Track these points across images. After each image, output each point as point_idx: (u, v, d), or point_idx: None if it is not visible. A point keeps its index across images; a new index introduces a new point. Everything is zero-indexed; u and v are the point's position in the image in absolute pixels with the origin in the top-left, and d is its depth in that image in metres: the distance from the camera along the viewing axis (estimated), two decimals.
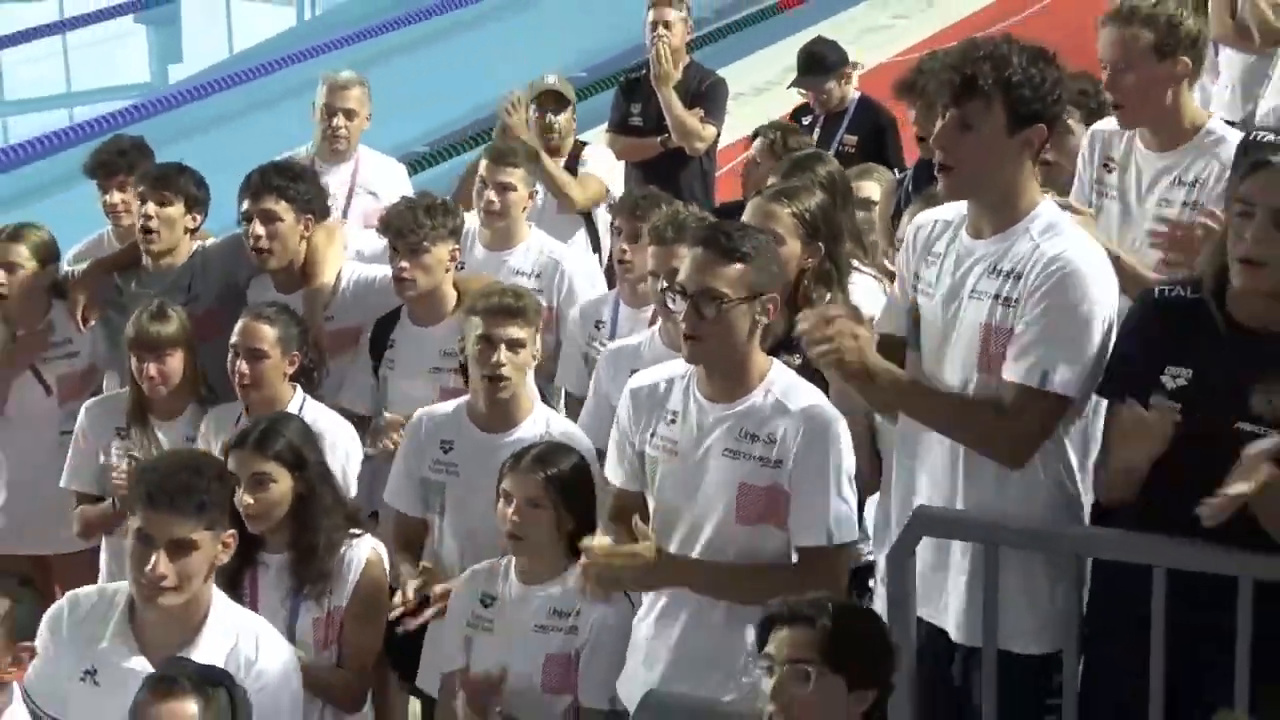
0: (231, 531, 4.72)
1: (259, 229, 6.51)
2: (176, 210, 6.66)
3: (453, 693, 5.16)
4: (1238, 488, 4.10)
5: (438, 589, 5.40)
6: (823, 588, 4.77)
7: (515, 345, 5.53)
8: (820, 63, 9.07)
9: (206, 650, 4.60)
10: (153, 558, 4.53)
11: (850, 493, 4.81)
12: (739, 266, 4.69)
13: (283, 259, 6.57)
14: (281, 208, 6.51)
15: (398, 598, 5.39)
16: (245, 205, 6.58)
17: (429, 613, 5.37)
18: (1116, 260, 4.90)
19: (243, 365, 5.95)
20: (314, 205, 6.64)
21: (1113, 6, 5.40)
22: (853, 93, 9.12)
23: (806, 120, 9.08)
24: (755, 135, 7.99)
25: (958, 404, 4.59)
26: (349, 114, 7.99)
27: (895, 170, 8.37)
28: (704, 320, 4.68)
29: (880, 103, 8.91)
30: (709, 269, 4.69)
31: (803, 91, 9.22)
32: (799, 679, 3.98)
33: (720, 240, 4.73)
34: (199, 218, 6.77)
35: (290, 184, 6.56)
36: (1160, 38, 5.21)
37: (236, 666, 4.56)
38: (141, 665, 4.58)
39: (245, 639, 4.69)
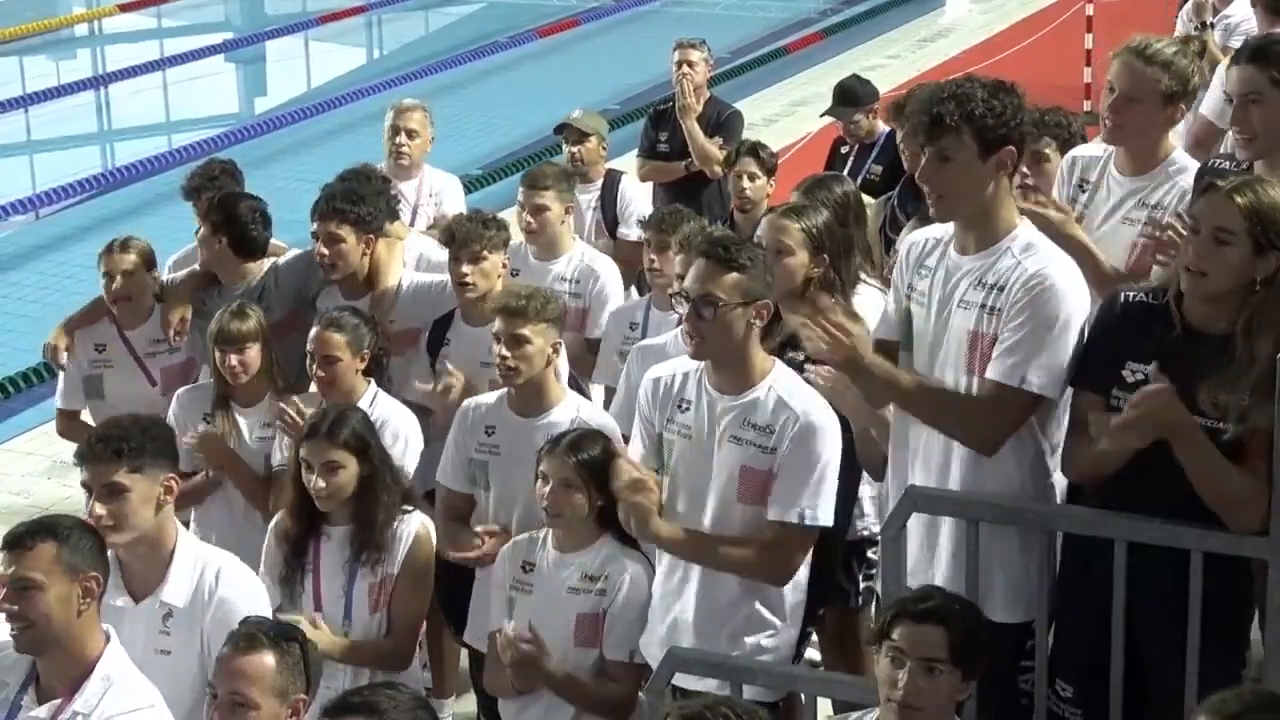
0: (171, 475, 4.73)
1: (324, 248, 6.52)
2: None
3: (499, 648, 5.15)
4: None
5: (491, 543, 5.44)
6: (782, 563, 4.79)
7: (519, 341, 5.50)
8: (851, 96, 8.93)
9: (175, 584, 4.67)
10: (90, 503, 4.63)
11: (830, 484, 4.79)
12: (735, 276, 4.72)
13: (345, 271, 6.56)
14: (344, 230, 6.50)
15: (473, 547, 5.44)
16: (314, 226, 6.58)
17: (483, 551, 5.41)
18: (1083, 249, 4.98)
19: (319, 371, 5.95)
20: (374, 225, 6.61)
21: (1135, 42, 5.30)
22: (881, 126, 8.91)
23: (844, 150, 8.96)
24: (737, 154, 7.90)
25: (940, 396, 4.55)
26: (411, 133, 8.04)
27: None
28: (703, 321, 4.71)
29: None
30: (708, 277, 4.72)
31: (834, 122, 9.12)
32: (926, 673, 3.92)
33: (719, 252, 4.76)
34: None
35: (351, 208, 6.54)
36: (1172, 85, 5.16)
37: (203, 594, 4.65)
38: (125, 603, 4.66)
39: (209, 571, 4.72)
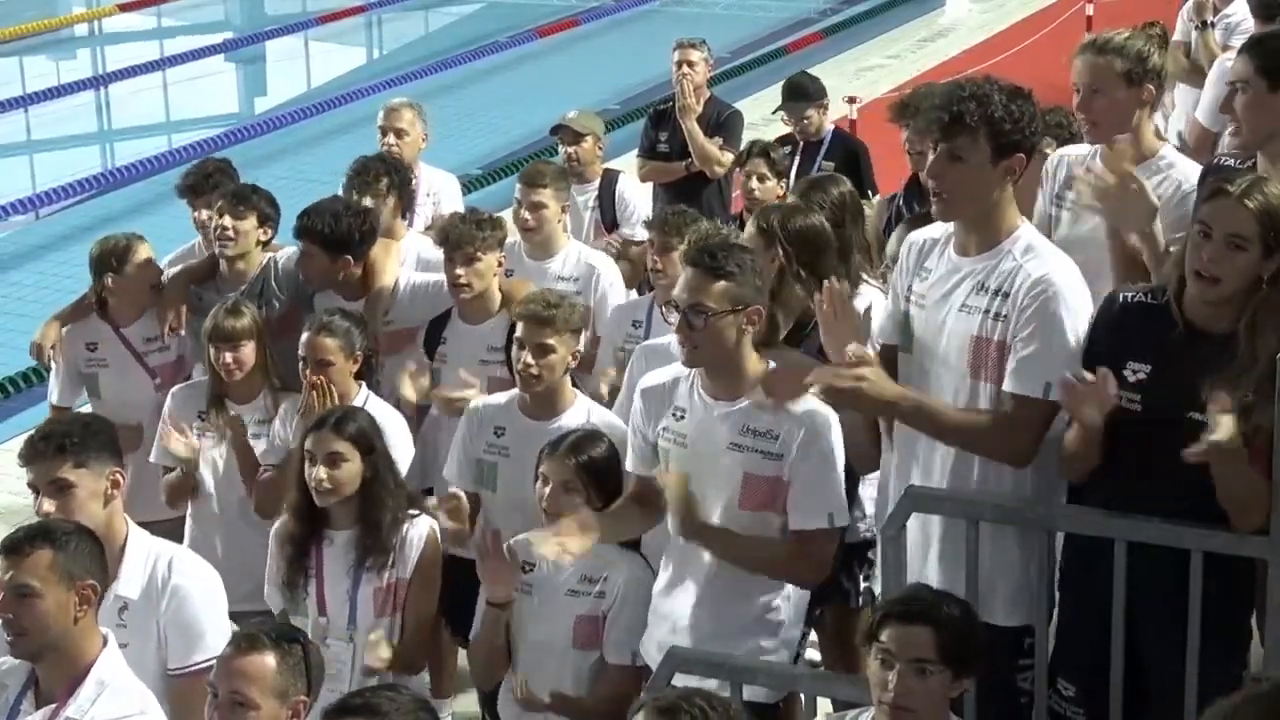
0: (116, 469, 4.76)
1: (306, 267, 6.59)
2: (250, 223, 6.71)
3: (485, 629, 5.15)
4: (1215, 436, 4.06)
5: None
6: (817, 564, 4.78)
7: (544, 350, 5.50)
8: (802, 91, 9.06)
9: (129, 577, 4.69)
10: (38, 501, 4.66)
11: (841, 480, 4.78)
12: (723, 284, 4.69)
13: (321, 287, 6.61)
14: (314, 249, 6.54)
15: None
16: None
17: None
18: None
19: (313, 376, 5.95)
20: (349, 248, 6.56)
21: (1088, 39, 5.37)
22: (828, 124, 9.09)
23: (788, 149, 9.02)
24: (748, 154, 7.92)
25: (961, 419, 4.52)
26: (399, 133, 8.02)
27: (870, 192, 8.38)
28: (694, 330, 4.70)
29: (851, 134, 8.89)
30: (697, 286, 4.70)
31: (785, 118, 9.16)
32: (918, 675, 3.93)
33: (706, 260, 4.73)
34: (270, 232, 6.82)
35: (319, 228, 6.54)
36: (1130, 66, 5.18)
37: (157, 585, 4.68)
38: None
39: (161, 563, 4.74)
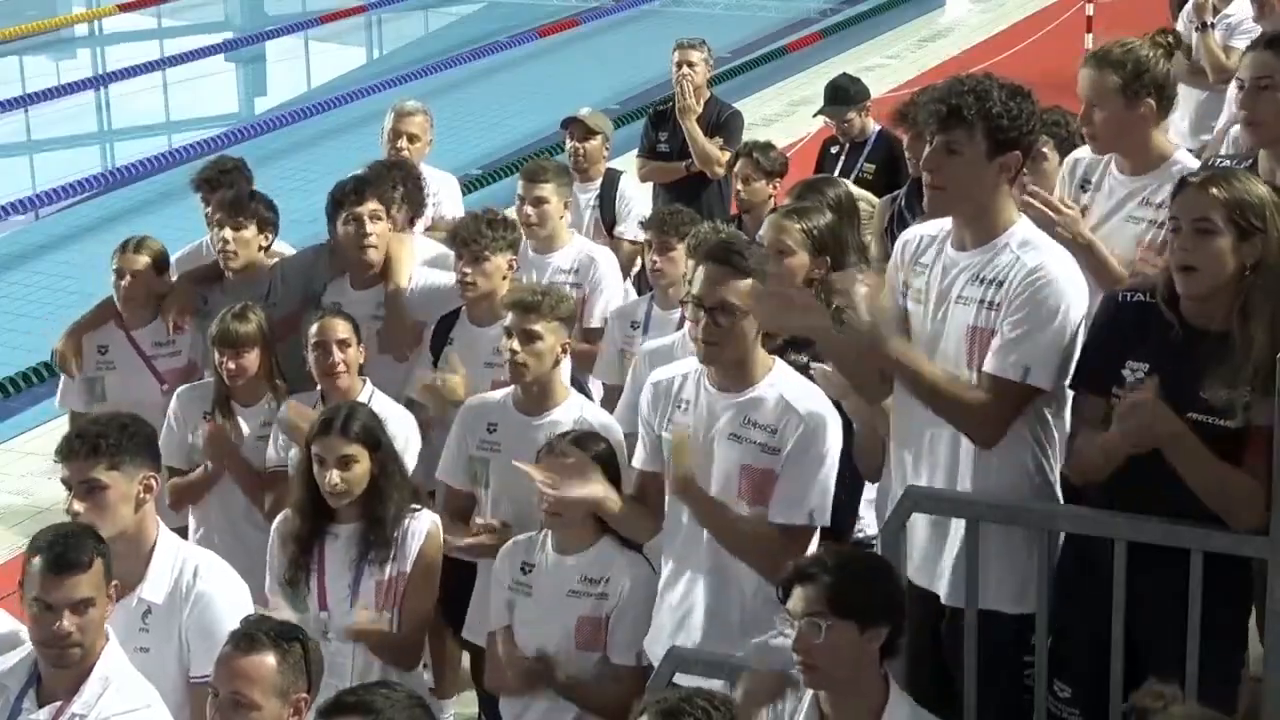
0: (150, 473, 4.74)
1: (370, 227, 6.52)
2: (250, 232, 6.71)
3: (498, 649, 5.14)
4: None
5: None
6: (783, 560, 4.72)
7: (530, 336, 5.51)
8: (844, 94, 8.98)
9: (154, 581, 4.70)
10: (69, 499, 4.66)
11: (831, 483, 4.78)
12: (749, 282, 4.70)
13: (383, 251, 6.58)
14: (381, 210, 6.56)
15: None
16: (353, 208, 6.54)
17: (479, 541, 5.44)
18: (1091, 249, 5.01)
19: (336, 354, 5.95)
20: (396, 211, 6.69)
21: (1092, 49, 5.37)
22: (872, 125, 8.98)
23: (834, 150, 9.00)
24: (737, 157, 7.95)
25: (948, 383, 4.51)
26: (412, 138, 8.00)
27: None
28: (719, 329, 4.70)
29: (896, 135, 8.80)
30: (722, 283, 4.70)
31: (828, 121, 9.14)
32: (814, 630, 3.99)
33: (734, 259, 4.74)
34: (271, 236, 6.83)
35: (375, 189, 6.60)
36: (1127, 81, 5.15)
37: (181, 591, 4.67)
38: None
39: (187, 568, 4.74)
